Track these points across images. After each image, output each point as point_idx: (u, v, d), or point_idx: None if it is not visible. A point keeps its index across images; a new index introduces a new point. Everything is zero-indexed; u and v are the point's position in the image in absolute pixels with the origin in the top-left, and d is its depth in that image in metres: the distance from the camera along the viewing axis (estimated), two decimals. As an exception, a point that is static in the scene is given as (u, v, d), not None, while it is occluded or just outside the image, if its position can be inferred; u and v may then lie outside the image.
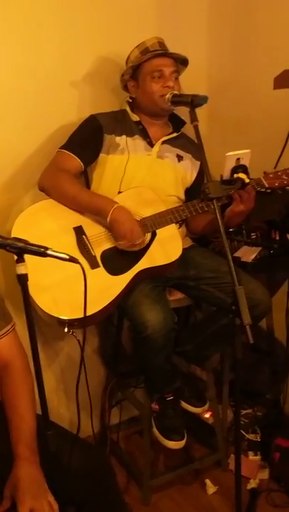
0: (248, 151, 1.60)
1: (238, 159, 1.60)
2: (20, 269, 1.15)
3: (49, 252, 1.15)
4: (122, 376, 2.19)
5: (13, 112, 1.84)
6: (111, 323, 2.13)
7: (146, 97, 1.83)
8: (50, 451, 1.24)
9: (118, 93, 2.00)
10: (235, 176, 1.61)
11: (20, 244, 1.14)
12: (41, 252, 1.15)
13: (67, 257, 1.16)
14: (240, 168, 1.61)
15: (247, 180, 1.63)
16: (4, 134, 1.83)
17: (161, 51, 1.81)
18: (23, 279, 1.16)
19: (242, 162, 1.61)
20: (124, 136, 1.85)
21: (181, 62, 1.88)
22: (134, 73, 1.85)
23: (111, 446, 2.18)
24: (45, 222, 1.68)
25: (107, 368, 2.29)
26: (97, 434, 2.28)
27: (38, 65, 1.85)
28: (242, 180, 1.61)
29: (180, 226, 1.88)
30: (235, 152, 1.59)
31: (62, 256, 1.16)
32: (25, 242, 1.15)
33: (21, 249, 1.14)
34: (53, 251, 1.16)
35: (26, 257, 1.14)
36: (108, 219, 1.66)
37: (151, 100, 1.82)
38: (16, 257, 1.14)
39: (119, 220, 1.66)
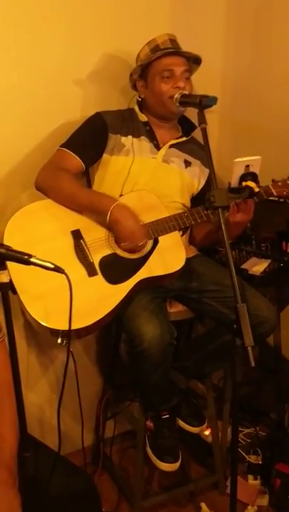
0: (258, 157, 1.50)
1: (248, 166, 1.50)
2: (1, 278, 1.07)
3: (33, 260, 1.07)
4: (119, 388, 2.10)
5: (13, 107, 1.75)
6: (109, 334, 2.04)
7: (155, 98, 1.74)
8: (28, 474, 1.16)
9: (126, 93, 1.91)
10: (244, 184, 1.51)
11: (2, 251, 1.06)
12: (24, 259, 1.07)
13: (52, 267, 1.07)
14: (249, 175, 1.51)
15: (256, 189, 1.52)
16: (2, 129, 1.75)
17: (172, 49, 1.71)
18: (4, 288, 1.08)
19: (251, 169, 1.51)
20: (130, 137, 1.75)
21: (194, 61, 1.78)
22: (143, 72, 1.75)
23: (104, 460, 2.08)
24: (41, 224, 1.59)
25: (103, 379, 2.20)
26: (91, 447, 2.20)
27: (41, 60, 1.76)
28: (250, 188, 1.51)
29: (183, 234, 1.78)
30: (245, 158, 1.49)
31: (46, 265, 1.07)
32: (7, 248, 1.07)
33: (2, 256, 1.05)
34: (37, 259, 1.07)
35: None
36: (108, 218, 1.56)
37: (159, 101, 1.73)
38: None
39: (119, 219, 1.56)
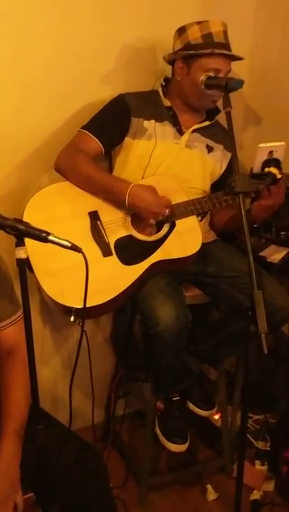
0: (282, 143, 1.47)
1: (271, 152, 1.47)
2: (20, 254, 1.07)
3: (50, 237, 1.07)
4: (131, 368, 2.12)
5: (38, 84, 1.74)
6: (124, 314, 2.05)
7: (194, 90, 1.69)
8: (39, 446, 1.18)
9: (156, 75, 1.87)
10: (266, 170, 1.49)
11: (21, 227, 1.06)
12: (42, 237, 1.07)
13: (69, 245, 1.07)
14: (272, 161, 1.48)
15: (279, 176, 1.50)
16: (27, 107, 1.74)
17: (228, 52, 1.67)
18: (22, 264, 1.09)
19: (275, 155, 1.48)
20: (152, 121, 1.73)
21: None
22: (188, 57, 1.69)
23: (113, 438, 2.12)
24: (60, 205, 1.61)
25: (116, 358, 2.22)
26: (101, 424, 2.23)
27: (70, 35, 1.74)
28: (273, 175, 1.48)
29: (202, 219, 1.77)
30: (269, 144, 1.46)
31: (64, 243, 1.07)
32: (27, 225, 1.07)
33: (21, 233, 1.06)
34: (55, 237, 1.07)
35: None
36: (126, 203, 1.57)
37: (197, 93, 1.70)
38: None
39: (137, 200, 1.57)
